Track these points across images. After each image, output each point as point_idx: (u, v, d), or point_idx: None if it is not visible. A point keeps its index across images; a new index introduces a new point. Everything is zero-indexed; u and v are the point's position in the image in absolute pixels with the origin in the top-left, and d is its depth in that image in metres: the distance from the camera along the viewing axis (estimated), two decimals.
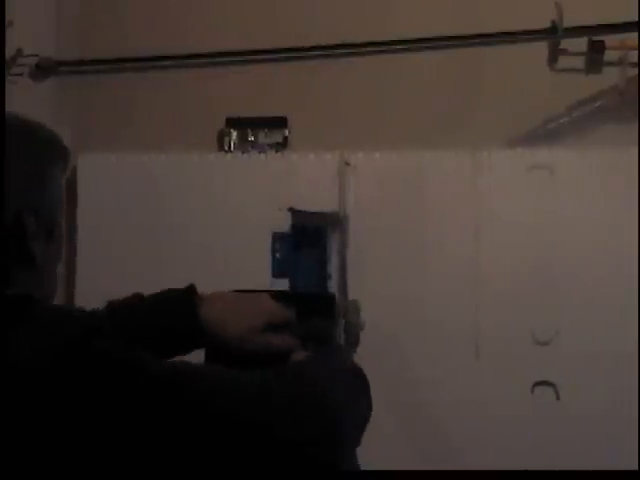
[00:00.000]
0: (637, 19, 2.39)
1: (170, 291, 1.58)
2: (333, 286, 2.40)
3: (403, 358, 2.36)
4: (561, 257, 2.38)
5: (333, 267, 2.41)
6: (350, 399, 1.31)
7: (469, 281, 2.38)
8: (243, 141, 2.52)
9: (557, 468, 2.20)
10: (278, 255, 2.41)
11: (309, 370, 1.30)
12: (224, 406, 1.16)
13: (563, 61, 2.49)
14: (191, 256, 2.42)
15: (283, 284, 2.39)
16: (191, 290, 1.58)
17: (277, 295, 1.51)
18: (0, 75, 2.48)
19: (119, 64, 2.62)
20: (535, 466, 2.23)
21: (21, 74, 2.61)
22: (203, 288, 2.35)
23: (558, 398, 2.33)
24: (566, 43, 2.47)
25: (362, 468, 1.46)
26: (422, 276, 2.40)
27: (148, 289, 2.36)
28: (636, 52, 2.41)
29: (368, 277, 2.40)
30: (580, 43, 2.47)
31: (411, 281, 2.40)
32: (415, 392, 2.35)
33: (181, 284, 2.35)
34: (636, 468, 2.13)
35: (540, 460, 2.28)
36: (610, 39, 2.44)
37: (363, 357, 2.33)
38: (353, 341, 2.15)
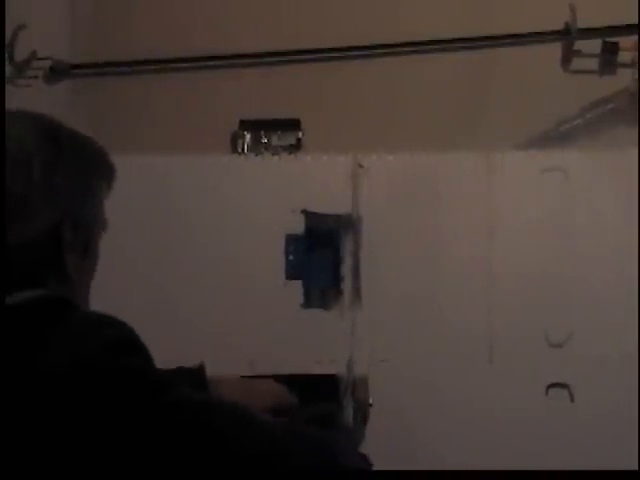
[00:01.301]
0: None
1: (180, 369, 1.60)
2: (346, 288, 2.40)
3: (414, 360, 2.36)
4: (575, 259, 2.37)
5: (346, 269, 2.41)
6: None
7: (482, 283, 2.37)
8: (256, 143, 2.52)
9: (570, 469, 2.20)
10: (291, 257, 2.41)
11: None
12: (242, 443, 1.17)
13: (577, 62, 2.49)
14: (204, 258, 2.42)
15: (297, 285, 2.40)
16: (201, 370, 1.60)
17: (280, 379, 1.52)
18: (0, 76, 2.49)
19: (133, 66, 2.62)
20: (548, 467, 2.23)
21: (35, 77, 2.62)
22: (216, 291, 2.37)
23: (572, 400, 2.33)
24: (580, 44, 2.47)
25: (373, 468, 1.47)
26: (435, 278, 2.39)
27: (161, 291, 2.38)
28: None
29: (381, 278, 2.39)
30: (594, 44, 2.46)
31: (424, 283, 2.39)
32: (428, 394, 2.35)
33: (194, 286, 2.37)
34: (636, 468, 2.13)
35: (554, 461, 2.28)
36: (624, 40, 2.44)
37: (375, 362, 2.35)
38: (361, 418, 2.11)
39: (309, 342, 2.35)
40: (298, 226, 2.42)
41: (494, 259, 2.38)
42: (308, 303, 2.39)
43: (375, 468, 1.46)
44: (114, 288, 2.22)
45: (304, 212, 2.42)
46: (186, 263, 2.42)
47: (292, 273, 2.41)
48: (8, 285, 1.19)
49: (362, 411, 2.02)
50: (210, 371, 2.20)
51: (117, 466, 1.08)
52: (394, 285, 2.38)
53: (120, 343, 1.15)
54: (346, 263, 2.41)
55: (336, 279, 2.40)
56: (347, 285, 2.40)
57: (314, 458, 1.22)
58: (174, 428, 1.11)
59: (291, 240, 2.41)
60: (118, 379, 1.11)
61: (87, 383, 1.10)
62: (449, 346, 2.35)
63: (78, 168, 1.31)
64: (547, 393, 2.33)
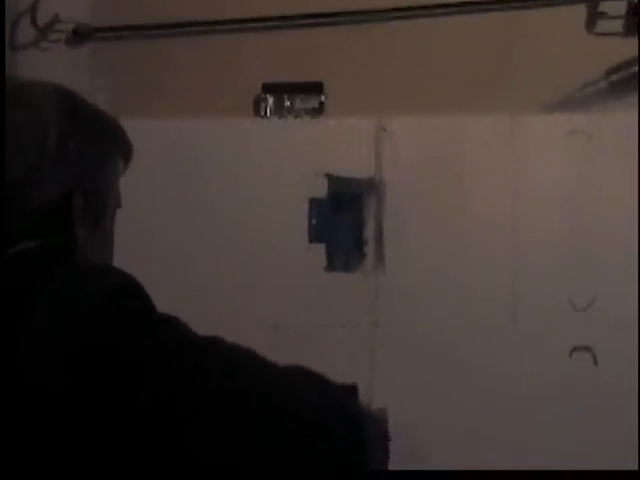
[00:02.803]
0: None
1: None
2: (369, 251, 2.40)
3: (438, 323, 2.36)
4: (599, 223, 2.36)
5: (369, 232, 2.41)
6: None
7: (506, 247, 2.37)
8: (279, 107, 2.52)
9: (591, 431, 2.22)
10: (314, 221, 2.41)
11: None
12: (256, 385, 1.16)
13: (601, 25, 2.47)
14: (226, 222, 2.42)
15: (320, 249, 2.40)
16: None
17: None
18: (0, 71, 2.48)
19: (155, 29, 2.61)
20: (571, 431, 2.24)
21: (58, 40, 2.62)
22: (240, 255, 2.37)
23: (596, 363, 2.33)
24: (605, 6, 2.44)
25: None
26: (459, 241, 2.39)
27: (183, 255, 2.38)
28: None
29: (404, 242, 2.39)
30: (619, 6, 2.44)
31: (448, 246, 2.39)
32: (452, 358, 2.35)
33: (217, 251, 2.37)
34: (636, 468, 2.13)
35: (576, 425, 2.29)
36: None
37: (400, 325, 2.35)
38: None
39: (333, 305, 2.36)
40: (321, 190, 2.42)
41: (518, 222, 2.37)
42: (331, 266, 2.40)
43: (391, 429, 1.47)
44: (135, 254, 2.22)
45: (327, 176, 2.41)
46: (208, 227, 2.43)
47: (315, 236, 2.41)
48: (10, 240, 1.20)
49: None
50: (233, 334, 2.22)
51: (120, 412, 1.08)
52: (417, 248, 2.38)
53: (125, 290, 1.16)
54: (369, 227, 2.41)
55: (359, 242, 2.40)
56: (370, 248, 2.40)
57: (334, 415, 1.22)
58: (179, 370, 1.11)
59: (314, 204, 2.41)
60: (123, 323, 1.12)
61: (91, 328, 1.10)
62: (473, 309, 2.36)
63: (93, 140, 1.33)
64: (571, 356, 2.34)
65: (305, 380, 1.24)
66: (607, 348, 2.33)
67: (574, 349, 2.33)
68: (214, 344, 1.18)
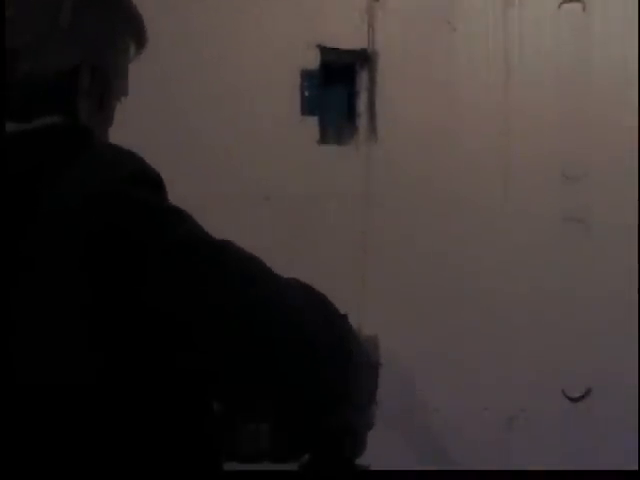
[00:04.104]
0: None
1: None
2: (362, 123, 2.39)
3: (429, 195, 2.37)
4: (592, 95, 2.36)
5: (362, 104, 2.40)
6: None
7: (499, 117, 2.37)
8: None
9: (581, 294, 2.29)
10: (307, 93, 2.40)
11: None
12: (262, 294, 1.16)
13: None
14: (219, 96, 2.39)
15: (312, 122, 2.39)
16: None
17: None
18: (0, 73, 2.41)
19: None
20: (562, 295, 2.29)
21: None
22: (233, 128, 2.36)
23: (588, 232, 2.35)
24: None
25: None
26: (452, 112, 2.39)
27: (175, 126, 2.35)
28: None
29: (397, 114, 2.38)
30: None
31: (441, 118, 2.39)
32: (442, 224, 2.36)
33: (209, 123, 2.35)
34: (636, 468, 2.16)
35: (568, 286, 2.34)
36: None
37: (389, 192, 2.36)
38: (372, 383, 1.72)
39: (325, 178, 2.36)
40: (313, 61, 2.39)
41: (511, 93, 2.37)
42: (324, 139, 2.39)
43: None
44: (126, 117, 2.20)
45: (319, 47, 2.39)
46: (199, 100, 2.39)
47: (308, 109, 2.39)
48: (25, 112, 1.20)
49: (372, 372, 1.72)
50: (226, 207, 2.23)
51: (130, 297, 1.09)
52: (409, 120, 2.37)
53: (141, 176, 1.16)
54: (362, 98, 2.39)
55: (352, 115, 2.39)
56: (363, 121, 2.39)
57: (327, 341, 1.23)
58: (184, 265, 1.11)
59: (306, 75, 2.39)
60: (134, 210, 1.12)
61: (99, 211, 1.10)
62: (464, 179, 2.36)
63: (106, 15, 1.31)
64: (562, 226, 2.36)
65: (304, 297, 1.24)
66: (598, 218, 2.35)
67: (566, 218, 2.35)
68: (225, 246, 1.18)
